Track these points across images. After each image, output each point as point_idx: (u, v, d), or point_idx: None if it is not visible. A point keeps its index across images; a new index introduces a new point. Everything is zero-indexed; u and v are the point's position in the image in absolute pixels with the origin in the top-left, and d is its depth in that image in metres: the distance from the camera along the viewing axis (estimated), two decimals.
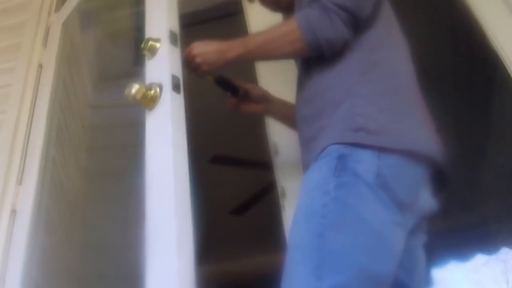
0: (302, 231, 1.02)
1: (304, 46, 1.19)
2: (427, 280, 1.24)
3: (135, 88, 1.18)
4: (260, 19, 1.95)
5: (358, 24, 1.20)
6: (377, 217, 1.00)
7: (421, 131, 1.15)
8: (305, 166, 1.19)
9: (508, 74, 1.58)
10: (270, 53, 1.28)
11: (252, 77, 1.96)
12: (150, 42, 1.28)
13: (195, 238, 1.05)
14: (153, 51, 1.27)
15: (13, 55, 2.10)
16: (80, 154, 2.19)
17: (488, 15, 1.70)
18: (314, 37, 1.17)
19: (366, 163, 1.04)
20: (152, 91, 1.22)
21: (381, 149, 1.05)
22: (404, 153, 1.07)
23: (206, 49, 1.29)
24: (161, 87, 1.22)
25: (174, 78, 1.24)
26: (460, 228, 3.80)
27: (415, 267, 1.17)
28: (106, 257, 2.03)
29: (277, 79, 1.77)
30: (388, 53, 1.23)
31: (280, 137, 1.75)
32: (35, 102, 1.96)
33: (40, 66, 2.06)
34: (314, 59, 1.24)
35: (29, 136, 1.88)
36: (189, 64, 1.30)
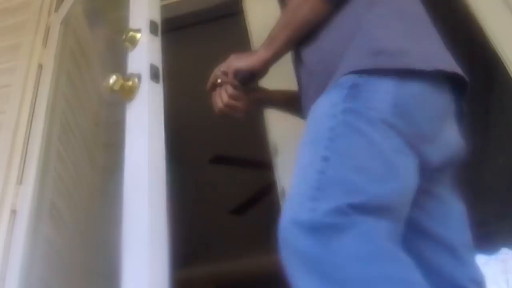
0: (306, 153, 0.96)
1: None
2: (467, 235, 1.12)
3: (112, 79, 1.16)
4: (260, 19, 1.96)
5: None
6: (389, 144, 0.91)
7: (444, 51, 1.08)
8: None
9: (508, 74, 1.58)
10: (292, 25, 1.16)
11: None
12: (131, 33, 1.26)
13: (172, 230, 1.03)
14: (133, 41, 1.25)
15: (13, 55, 2.09)
16: (95, 151, 2.17)
17: (488, 15, 1.70)
18: None
19: (381, 93, 0.96)
20: (130, 82, 1.19)
21: (402, 76, 0.97)
22: (430, 78, 0.99)
23: (240, 54, 1.25)
24: (139, 77, 1.20)
25: (153, 68, 1.21)
26: None
27: (446, 215, 1.08)
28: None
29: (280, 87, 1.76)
30: None
31: (280, 137, 1.75)
32: (35, 102, 1.96)
33: (40, 66, 2.06)
34: None
35: (29, 136, 1.88)
36: (223, 71, 1.25)
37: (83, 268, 1.88)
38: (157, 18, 1.31)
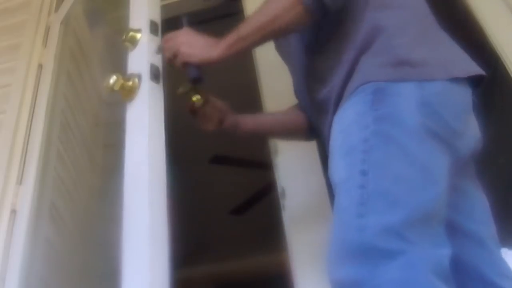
0: (343, 167, 0.94)
1: (304, 8, 1.03)
2: (492, 227, 1.13)
3: (113, 79, 1.16)
4: None
5: None
6: (422, 148, 0.91)
7: (458, 54, 1.09)
8: (326, 127, 1.08)
9: (508, 74, 1.58)
10: (267, 30, 1.08)
11: (253, 77, 1.96)
12: (131, 33, 1.26)
13: (172, 230, 1.03)
14: (133, 41, 1.25)
15: (13, 55, 2.09)
16: (95, 151, 2.17)
17: (488, 15, 1.70)
18: None
19: (406, 94, 0.95)
20: (131, 82, 1.19)
21: (423, 80, 0.97)
22: (450, 79, 0.99)
23: (194, 38, 1.15)
24: (139, 77, 1.19)
25: (153, 67, 1.21)
26: None
27: (472, 209, 1.09)
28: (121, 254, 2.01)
29: (280, 86, 1.76)
30: None
31: None
32: (35, 102, 1.96)
33: (40, 66, 2.05)
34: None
35: (29, 136, 1.88)
36: (169, 50, 1.17)
37: (83, 268, 1.88)
38: (157, 18, 1.31)
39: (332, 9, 1.05)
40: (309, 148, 1.66)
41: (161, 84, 1.21)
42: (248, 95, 1.97)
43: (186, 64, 1.13)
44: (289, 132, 1.47)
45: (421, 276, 0.78)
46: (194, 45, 1.14)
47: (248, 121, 1.39)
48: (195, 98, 1.24)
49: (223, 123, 1.33)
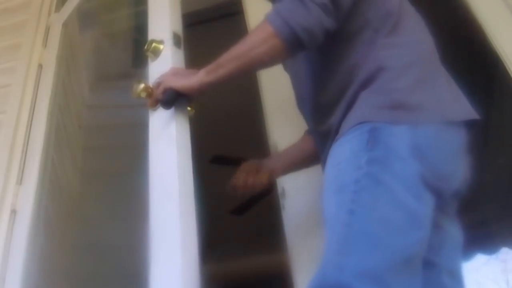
0: (333, 204, 0.98)
1: (280, 42, 1.05)
2: (458, 260, 1.16)
3: (141, 87, 1.19)
4: (260, 19, 1.95)
5: (339, 11, 1.08)
6: (411, 193, 0.94)
7: (455, 97, 1.11)
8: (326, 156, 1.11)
9: (508, 74, 1.58)
10: (243, 60, 1.10)
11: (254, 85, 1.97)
12: (154, 44, 1.28)
13: (199, 238, 1.05)
14: (156, 52, 1.27)
15: (13, 55, 2.10)
16: (77, 154, 2.19)
17: (488, 15, 1.70)
18: (288, 28, 1.04)
19: (400, 136, 0.98)
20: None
21: (417, 123, 1.01)
22: (443, 123, 1.03)
23: (180, 70, 1.21)
24: None
25: None
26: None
27: (444, 244, 1.12)
28: (104, 257, 2.03)
29: (280, 87, 1.76)
30: (406, 22, 1.16)
31: (280, 137, 1.75)
32: (35, 102, 1.96)
33: (40, 66, 2.06)
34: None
35: (29, 136, 1.88)
36: (154, 83, 1.21)
37: (66, 270, 1.89)
38: (179, 31, 1.32)
39: (308, 45, 1.07)
40: None
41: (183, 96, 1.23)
42: (248, 96, 1.97)
43: (166, 90, 1.15)
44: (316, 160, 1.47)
45: None
46: (178, 74, 1.18)
47: (279, 166, 1.56)
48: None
49: (262, 185, 1.46)
